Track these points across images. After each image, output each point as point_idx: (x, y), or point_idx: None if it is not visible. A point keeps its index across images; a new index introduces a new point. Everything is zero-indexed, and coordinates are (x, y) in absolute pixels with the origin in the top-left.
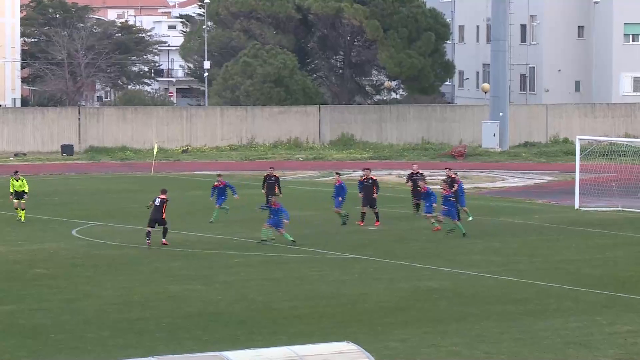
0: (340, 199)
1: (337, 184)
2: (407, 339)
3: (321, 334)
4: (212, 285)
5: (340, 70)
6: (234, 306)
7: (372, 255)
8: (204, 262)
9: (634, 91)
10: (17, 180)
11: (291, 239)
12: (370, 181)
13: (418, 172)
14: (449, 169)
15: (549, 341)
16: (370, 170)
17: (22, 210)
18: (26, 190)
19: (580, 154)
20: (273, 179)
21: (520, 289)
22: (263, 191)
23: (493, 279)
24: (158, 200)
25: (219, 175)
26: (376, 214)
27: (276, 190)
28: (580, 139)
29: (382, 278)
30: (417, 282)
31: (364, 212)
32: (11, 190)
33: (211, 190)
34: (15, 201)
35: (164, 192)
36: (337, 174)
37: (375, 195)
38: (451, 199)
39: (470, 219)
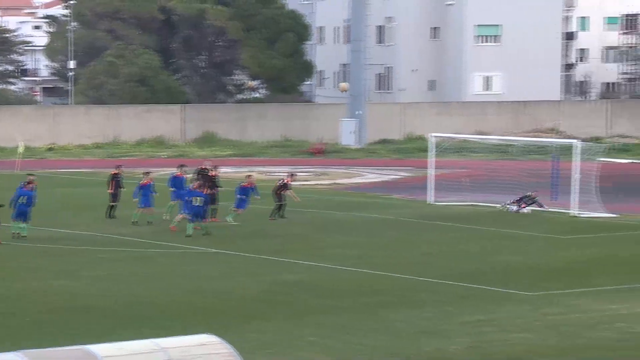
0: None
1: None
2: (268, 331)
3: (184, 327)
4: (77, 280)
5: (204, 70)
6: (99, 301)
7: (235, 250)
8: (69, 257)
9: (485, 90)
10: None
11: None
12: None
13: (205, 168)
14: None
15: (404, 332)
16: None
17: None
18: None
19: (434, 151)
20: (120, 177)
21: (377, 281)
22: (109, 190)
23: (350, 272)
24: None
25: (31, 174)
26: (214, 210)
27: (120, 187)
28: (433, 136)
29: (244, 272)
30: (278, 275)
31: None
32: None
33: (17, 193)
34: None
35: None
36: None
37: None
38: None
39: (231, 220)
